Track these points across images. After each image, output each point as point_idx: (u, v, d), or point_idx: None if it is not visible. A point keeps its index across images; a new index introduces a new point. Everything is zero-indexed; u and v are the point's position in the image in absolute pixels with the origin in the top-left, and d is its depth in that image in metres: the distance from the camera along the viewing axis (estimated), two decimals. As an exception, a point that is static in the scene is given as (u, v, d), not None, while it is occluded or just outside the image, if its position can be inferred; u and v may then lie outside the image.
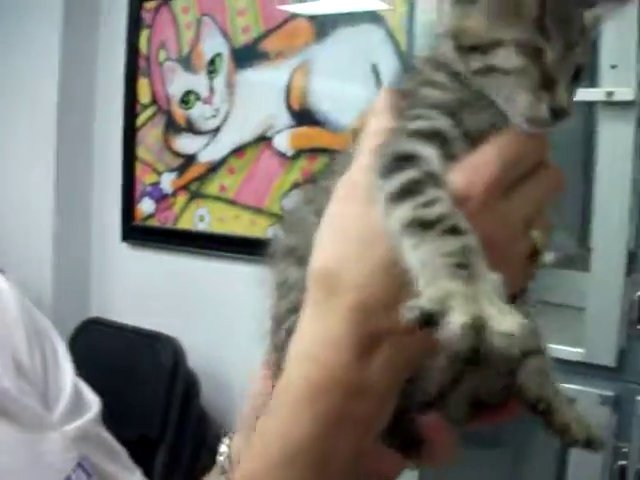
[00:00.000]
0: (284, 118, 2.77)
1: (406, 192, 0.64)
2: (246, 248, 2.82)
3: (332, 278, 0.68)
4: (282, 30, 2.76)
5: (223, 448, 0.87)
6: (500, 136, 0.69)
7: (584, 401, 1.55)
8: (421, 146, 0.67)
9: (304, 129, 2.74)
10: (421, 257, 0.60)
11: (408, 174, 0.65)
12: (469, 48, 0.69)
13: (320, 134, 2.69)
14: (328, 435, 0.68)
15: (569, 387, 1.56)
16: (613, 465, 1.55)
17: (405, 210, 0.63)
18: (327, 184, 0.77)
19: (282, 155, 2.78)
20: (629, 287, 1.56)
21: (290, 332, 0.74)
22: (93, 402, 1.05)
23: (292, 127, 2.76)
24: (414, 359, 0.70)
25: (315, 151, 2.69)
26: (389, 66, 2.53)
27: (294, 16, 2.73)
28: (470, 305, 0.56)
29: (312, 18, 2.68)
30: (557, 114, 0.68)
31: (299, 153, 2.75)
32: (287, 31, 2.75)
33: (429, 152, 0.67)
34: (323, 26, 2.66)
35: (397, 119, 0.71)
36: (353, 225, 0.69)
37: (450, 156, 0.68)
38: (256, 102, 2.84)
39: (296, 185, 2.73)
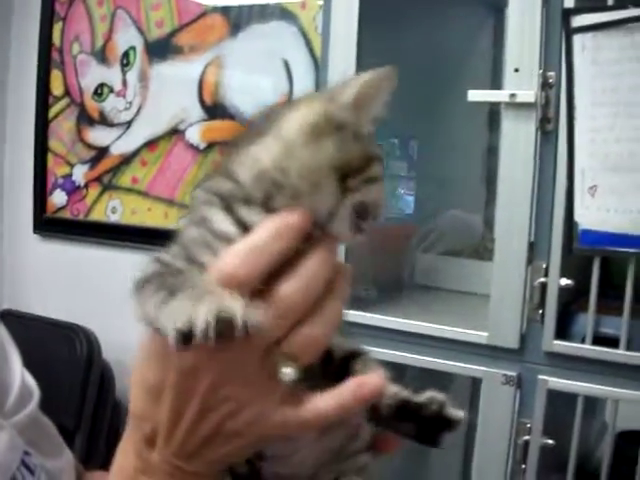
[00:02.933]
0: (197, 111, 2.81)
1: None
2: (159, 240, 2.82)
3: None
4: (196, 25, 2.80)
5: None
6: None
7: (490, 381, 1.64)
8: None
9: (216, 122, 2.78)
10: (152, 302, 0.67)
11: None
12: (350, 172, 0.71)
13: (232, 127, 2.73)
14: None
15: (476, 368, 1.66)
16: (517, 440, 1.63)
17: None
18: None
19: (194, 148, 2.82)
20: (530, 275, 1.64)
21: None
22: (34, 387, 1.08)
23: (204, 120, 2.80)
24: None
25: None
26: (300, 62, 2.59)
27: (208, 11, 2.77)
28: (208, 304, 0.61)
29: (226, 13, 2.73)
30: None
31: (211, 146, 2.79)
32: (201, 26, 2.79)
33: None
34: (237, 22, 2.71)
35: None
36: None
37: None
38: (169, 95, 2.87)
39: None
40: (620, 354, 1.61)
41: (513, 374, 1.65)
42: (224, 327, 0.60)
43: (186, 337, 0.60)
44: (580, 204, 1.63)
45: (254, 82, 2.71)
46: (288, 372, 0.66)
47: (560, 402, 1.69)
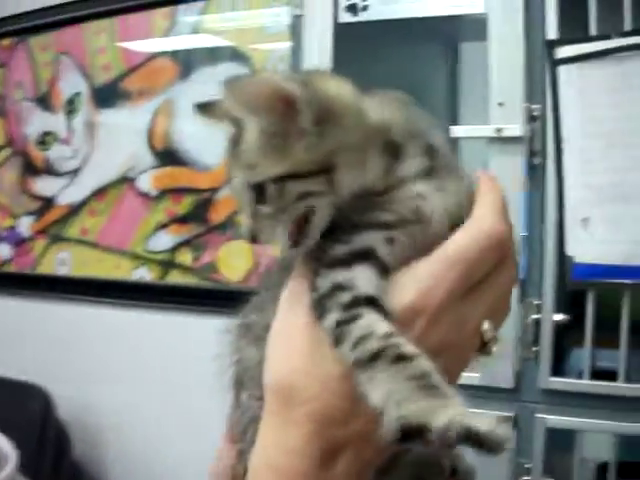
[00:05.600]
0: (147, 158, 2.74)
1: (338, 336, 0.64)
2: (111, 291, 2.76)
3: (286, 391, 0.68)
4: (144, 68, 2.74)
5: None
6: (456, 240, 0.68)
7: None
8: (351, 273, 0.66)
9: (168, 169, 2.71)
10: (382, 388, 0.61)
11: (334, 316, 0.65)
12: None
13: (184, 173, 2.67)
14: None
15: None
16: (518, 481, 1.60)
17: (345, 355, 0.64)
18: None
19: (145, 196, 2.74)
20: (522, 312, 1.60)
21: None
22: (10, 453, 1.02)
23: (155, 167, 2.73)
24: (375, 459, 0.70)
25: (180, 191, 2.67)
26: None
27: (157, 54, 2.70)
28: (449, 411, 0.58)
29: (175, 56, 2.67)
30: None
31: (163, 193, 2.71)
32: (149, 70, 2.73)
33: (359, 276, 0.66)
34: (186, 64, 2.65)
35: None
36: (300, 338, 0.69)
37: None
38: (118, 142, 2.79)
39: (161, 226, 2.69)
40: (620, 387, 1.58)
41: (510, 414, 1.61)
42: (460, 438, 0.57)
43: (407, 435, 0.58)
44: (572, 237, 1.61)
45: (207, 126, 2.63)
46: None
47: (557, 439, 1.66)
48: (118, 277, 2.78)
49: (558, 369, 1.65)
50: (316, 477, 0.67)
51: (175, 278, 2.69)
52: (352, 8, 1.76)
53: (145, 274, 2.74)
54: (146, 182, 2.74)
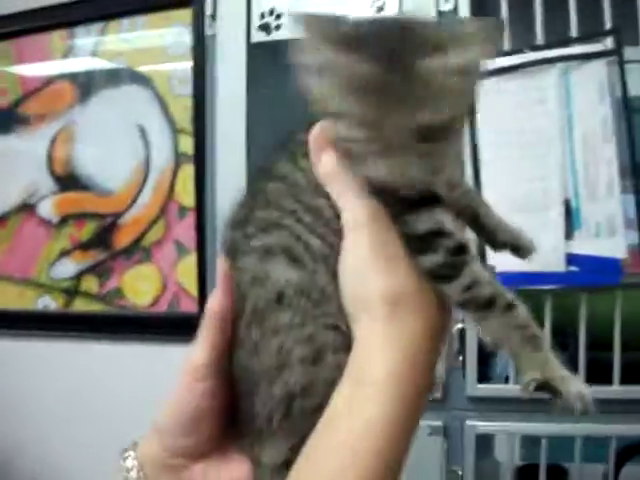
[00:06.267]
0: (48, 184, 2.67)
1: (445, 276, 0.73)
2: (14, 322, 2.68)
3: (404, 298, 0.73)
4: (43, 93, 2.67)
5: (129, 462, 0.82)
6: None
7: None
8: (437, 217, 0.74)
9: (69, 194, 2.65)
10: (497, 330, 0.74)
11: (440, 257, 0.73)
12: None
13: (86, 198, 2.61)
14: (412, 425, 0.73)
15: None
16: (450, 488, 1.61)
17: (454, 292, 0.73)
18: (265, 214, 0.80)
19: (47, 222, 2.67)
20: (449, 323, 1.63)
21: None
22: None
23: (57, 193, 2.66)
24: None
25: (82, 216, 2.61)
26: (157, 127, 2.51)
27: (55, 78, 2.65)
28: (562, 374, 0.74)
29: (74, 80, 2.61)
30: (399, 183, 0.71)
31: (65, 219, 2.65)
32: (48, 94, 2.66)
33: (447, 222, 0.74)
34: (86, 88, 2.60)
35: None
36: (400, 253, 0.74)
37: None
38: (17, 168, 2.71)
39: (64, 253, 2.63)
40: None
41: (439, 424, 1.63)
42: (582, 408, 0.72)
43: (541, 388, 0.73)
44: (491, 246, 1.64)
45: (108, 150, 2.60)
46: None
47: (480, 444, 1.68)
48: (22, 307, 2.69)
49: (484, 376, 1.68)
50: (429, 381, 0.75)
51: (81, 306, 2.63)
52: (265, 27, 1.76)
53: (50, 303, 2.67)
54: (47, 208, 2.67)
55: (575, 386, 0.72)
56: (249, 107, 1.76)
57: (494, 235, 0.87)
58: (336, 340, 0.75)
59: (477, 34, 0.68)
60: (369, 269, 0.73)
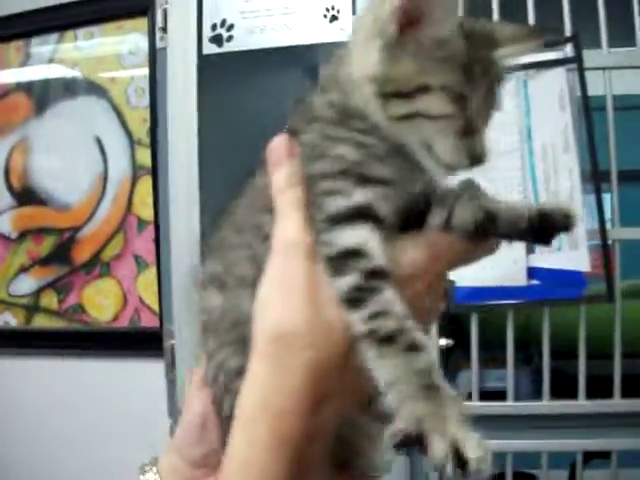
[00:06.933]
0: (5, 198, 2.61)
1: (353, 301, 0.67)
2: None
3: (287, 337, 0.69)
4: (-2, 105, 2.61)
5: (151, 476, 0.85)
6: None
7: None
8: (360, 237, 0.69)
9: (27, 209, 2.59)
10: (390, 372, 0.65)
11: (352, 279, 0.68)
12: (392, 94, 0.68)
13: (45, 213, 2.56)
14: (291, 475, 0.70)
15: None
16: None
17: (358, 320, 0.67)
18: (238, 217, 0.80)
19: (6, 238, 2.62)
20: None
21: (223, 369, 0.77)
22: None
23: (14, 207, 2.61)
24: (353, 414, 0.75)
25: (41, 231, 2.56)
26: (114, 139, 2.47)
27: (11, 90, 2.59)
28: (445, 428, 0.62)
29: (30, 91, 2.56)
30: (475, 161, 0.70)
31: (23, 234, 2.59)
32: (3, 106, 2.61)
33: (370, 243, 0.69)
34: (42, 99, 2.55)
35: (307, 185, 0.72)
36: (301, 284, 0.70)
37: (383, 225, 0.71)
38: (-28, 183, 2.65)
39: (23, 269, 2.58)
40: (509, 406, 1.59)
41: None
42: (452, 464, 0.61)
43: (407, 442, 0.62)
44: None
45: (65, 163, 2.55)
46: None
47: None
48: (-20, 324, 2.63)
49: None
50: (306, 420, 0.69)
51: (41, 322, 2.57)
52: (217, 39, 1.72)
53: (10, 319, 2.61)
54: (5, 224, 2.62)
55: (471, 447, 0.61)
56: (200, 120, 1.72)
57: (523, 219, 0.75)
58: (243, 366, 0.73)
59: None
60: (266, 301, 0.71)
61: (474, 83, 0.68)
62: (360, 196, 0.69)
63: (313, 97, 0.77)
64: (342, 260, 0.68)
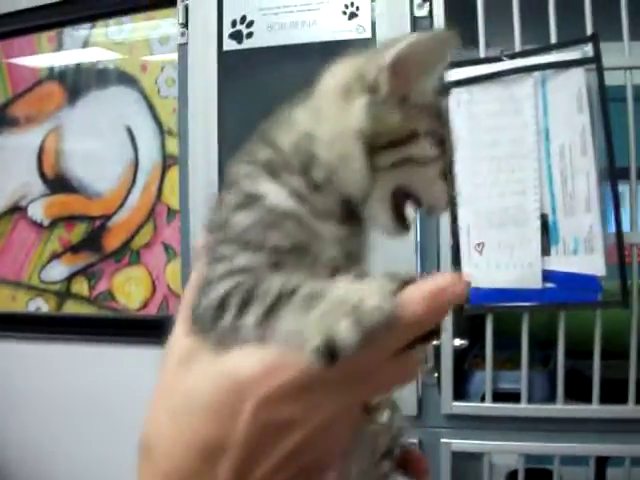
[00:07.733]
0: (38, 186, 2.65)
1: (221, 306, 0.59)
2: (6, 325, 2.67)
3: (148, 443, 0.64)
4: (32, 94, 2.65)
5: None
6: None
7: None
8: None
9: (59, 196, 2.63)
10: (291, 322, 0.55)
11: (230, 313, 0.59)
12: (383, 145, 0.65)
13: (76, 201, 2.60)
14: None
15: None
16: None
17: (228, 322, 0.59)
18: None
19: (38, 225, 2.66)
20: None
21: None
22: None
23: (47, 195, 2.65)
24: None
25: (72, 218, 2.59)
26: (144, 128, 2.49)
27: (44, 79, 2.62)
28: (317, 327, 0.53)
29: (63, 80, 2.59)
30: (450, 201, 0.68)
31: (55, 222, 2.63)
32: (37, 95, 2.65)
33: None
34: (74, 88, 2.58)
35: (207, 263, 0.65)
36: (168, 392, 0.64)
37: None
38: (7, 170, 2.70)
39: (55, 255, 2.61)
40: (522, 408, 1.58)
41: (414, 441, 1.60)
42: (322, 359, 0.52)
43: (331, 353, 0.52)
44: (468, 262, 1.60)
45: (97, 151, 2.57)
46: None
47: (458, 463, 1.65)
48: (14, 309, 2.69)
49: (460, 394, 1.64)
50: None
51: (72, 308, 2.61)
52: (236, 36, 1.72)
53: (41, 305, 2.66)
54: (38, 211, 2.66)
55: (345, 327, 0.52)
56: (220, 115, 1.73)
57: None
58: None
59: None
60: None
61: (445, 126, 0.67)
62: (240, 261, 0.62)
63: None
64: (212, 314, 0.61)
